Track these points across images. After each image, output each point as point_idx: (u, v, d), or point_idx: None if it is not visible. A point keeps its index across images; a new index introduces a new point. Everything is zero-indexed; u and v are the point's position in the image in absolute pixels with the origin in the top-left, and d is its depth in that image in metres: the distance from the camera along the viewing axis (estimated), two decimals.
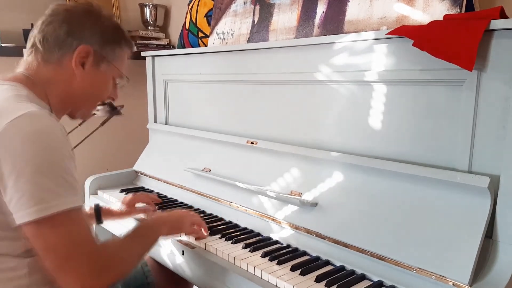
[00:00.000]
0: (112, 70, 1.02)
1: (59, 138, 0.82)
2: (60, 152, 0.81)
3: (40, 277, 0.86)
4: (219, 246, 1.13)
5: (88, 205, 1.69)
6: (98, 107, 1.09)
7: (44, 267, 0.81)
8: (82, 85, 0.97)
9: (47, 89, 0.94)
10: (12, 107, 0.82)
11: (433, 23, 0.98)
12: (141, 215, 1.40)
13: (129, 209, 1.37)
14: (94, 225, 1.36)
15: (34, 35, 0.96)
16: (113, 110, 1.15)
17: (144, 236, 0.99)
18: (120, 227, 1.42)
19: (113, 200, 1.59)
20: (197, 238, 1.18)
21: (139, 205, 1.42)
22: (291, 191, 1.21)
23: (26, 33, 1.97)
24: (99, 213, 1.33)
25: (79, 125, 1.34)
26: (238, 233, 1.23)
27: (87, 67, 0.97)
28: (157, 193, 1.64)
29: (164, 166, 1.71)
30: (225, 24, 1.68)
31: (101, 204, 1.38)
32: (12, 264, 0.84)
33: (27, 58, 0.97)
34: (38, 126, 0.80)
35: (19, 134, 0.78)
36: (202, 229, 1.19)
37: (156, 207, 1.46)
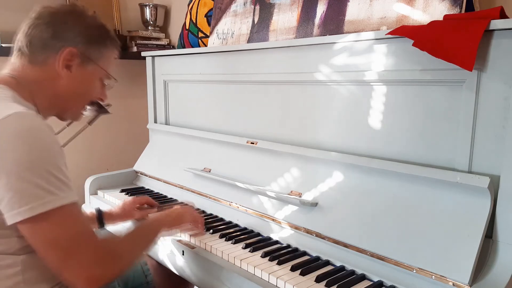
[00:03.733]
0: (99, 71, 1.02)
1: (48, 136, 0.82)
2: (50, 149, 0.81)
3: (34, 274, 0.86)
4: (219, 246, 1.13)
5: (89, 205, 1.69)
6: (87, 107, 1.10)
7: (39, 264, 0.83)
8: (68, 86, 0.98)
9: (33, 90, 0.95)
10: None
11: (433, 23, 0.98)
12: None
13: (130, 212, 1.37)
14: (95, 229, 1.36)
15: (20, 39, 0.97)
16: (101, 109, 1.14)
17: (144, 233, 1.02)
18: (119, 228, 1.42)
19: (113, 200, 1.59)
20: (193, 235, 1.19)
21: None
22: (291, 191, 1.21)
23: None
24: (101, 217, 1.34)
25: (67, 125, 1.34)
26: (238, 233, 1.23)
27: (73, 69, 0.97)
28: (157, 193, 1.65)
29: (164, 166, 1.71)
30: (225, 24, 1.68)
31: (102, 208, 1.37)
32: (8, 261, 0.84)
33: (14, 61, 0.98)
34: (27, 125, 0.80)
35: (8, 133, 0.78)
36: (200, 225, 1.22)
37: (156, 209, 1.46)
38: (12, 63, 0.98)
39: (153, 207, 1.43)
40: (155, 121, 1.94)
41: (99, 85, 1.05)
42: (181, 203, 1.51)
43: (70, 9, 1.00)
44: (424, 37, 0.95)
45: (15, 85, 0.93)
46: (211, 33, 1.74)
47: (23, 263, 0.85)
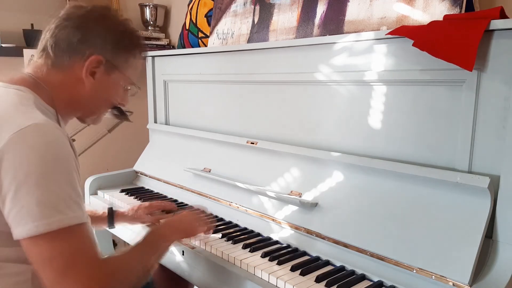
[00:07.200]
0: (123, 78, 1.00)
1: (65, 151, 0.80)
2: (65, 165, 0.79)
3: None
4: (219, 246, 1.13)
5: (88, 206, 1.69)
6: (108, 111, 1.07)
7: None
8: (90, 92, 0.95)
9: (54, 94, 0.92)
10: (18, 116, 0.80)
11: (433, 23, 0.98)
12: None
13: (142, 216, 1.33)
14: (106, 228, 1.35)
15: (47, 39, 0.93)
16: (121, 115, 1.11)
17: (155, 245, 0.97)
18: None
19: (113, 200, 1.59)
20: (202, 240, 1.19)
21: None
22: (291, 191, 1.21)
23: (26, 33, 1.98)
24: (112, 217, 1.32)
25: (88, 124, 1.32)
26: (238, 233, 1.23)
27: (97, 76, 0.94)
28: (157, 193, 1.65)
29: (164, 166, 1.71)
30: (225, 24, 1.68)
31: (115, 207, 1.35)
32: (16, 269, 0.83)
33: (37, 60, 0.94)
34: (43, 139, 0.77)
35: (24, 145, 0.76)
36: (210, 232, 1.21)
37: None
38: (34, 62, 0.94)
39: (169, 212, 1.38)
40: (155, 121, 1.94)
41: (121, 92, 1.02)
42: (181, 203, 1.52)
43: (102, 13, 0.95)
44: (424, 37, 0.95)
45: (36, 87, 0.90)
46: (211, 33, 1.74)
47: (33, 271, 0.82)
